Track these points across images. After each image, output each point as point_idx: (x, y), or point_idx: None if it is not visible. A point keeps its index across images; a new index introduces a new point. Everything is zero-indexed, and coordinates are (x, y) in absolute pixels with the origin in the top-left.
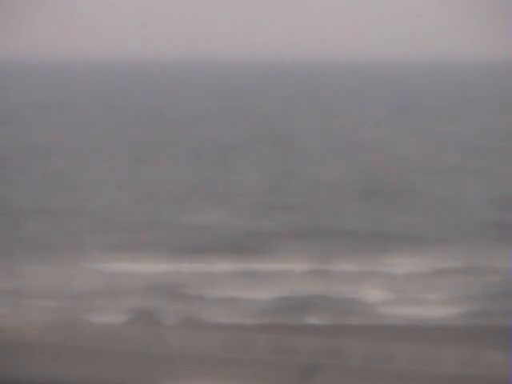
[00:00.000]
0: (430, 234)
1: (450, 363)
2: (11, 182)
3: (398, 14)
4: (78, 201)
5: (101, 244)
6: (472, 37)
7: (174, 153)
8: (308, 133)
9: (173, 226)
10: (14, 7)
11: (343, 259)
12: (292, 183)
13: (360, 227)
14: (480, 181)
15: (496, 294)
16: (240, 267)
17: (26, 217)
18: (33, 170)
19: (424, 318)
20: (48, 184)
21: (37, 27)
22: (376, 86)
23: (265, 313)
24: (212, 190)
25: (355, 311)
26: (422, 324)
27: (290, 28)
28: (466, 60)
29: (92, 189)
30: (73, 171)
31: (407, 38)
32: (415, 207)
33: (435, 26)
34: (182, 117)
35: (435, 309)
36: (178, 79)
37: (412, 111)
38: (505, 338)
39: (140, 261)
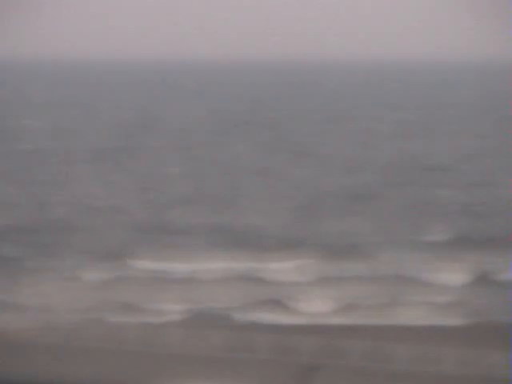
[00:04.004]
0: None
1: (449, 363)
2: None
3: (398, 14)
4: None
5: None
6: (472, 37)
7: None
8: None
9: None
10: (14, 7)
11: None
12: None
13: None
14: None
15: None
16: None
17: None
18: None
19: None
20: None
21: (37, 27)
22: (376, 86)
23: None
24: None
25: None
26: (421, 324)
27: (289, 28)
28: (467, 60)
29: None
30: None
31: (407, 38)
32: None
33: (435, 26)
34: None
35: None
36: (189, 79)
37: (418, 111)
38: (505, 338)
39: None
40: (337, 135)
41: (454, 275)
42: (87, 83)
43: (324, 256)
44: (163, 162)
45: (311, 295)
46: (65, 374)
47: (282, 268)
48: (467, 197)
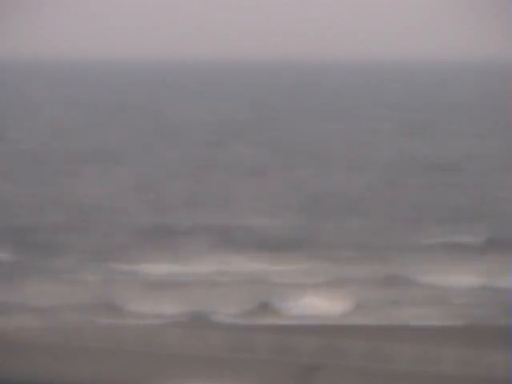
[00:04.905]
0: None
1: (449, 363)
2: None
3: (398, 14)
4: None
5: None
6: (472, 37)
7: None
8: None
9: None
10: (14, 7)
11: None
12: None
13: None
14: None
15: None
16: None
17: None
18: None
19: None
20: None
21: (37, 27)
22: (376, 86)
23: None
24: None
25: None
26: (421, 324)
27: (289, 28)
28: (467, 60)
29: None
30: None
31: (407, 38)
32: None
33: (435, 26)
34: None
35: None
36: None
37: (418, 110)
38: (505, 338)
39: None
40: (337, 135)
41: (457, 278)
42: (87, 83)
43: (329, 258)
44: (163, 162)
45: (317, 297)
46: (65, 374)
47: (282, 270)
48: (472, 197)
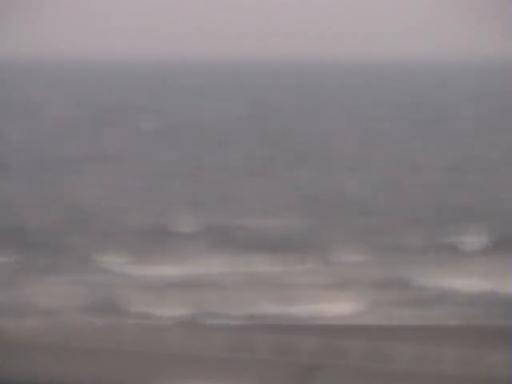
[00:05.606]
0: None
1: (449, 363)
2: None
3: (398, 14)
4: None
5: None
6: (472, 37)
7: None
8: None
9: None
10: (14, 7)
11: None
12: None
13: None
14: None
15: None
16: None
17: None
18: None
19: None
20: None
21: (37, 27)
22: (376, 86)
23: None
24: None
25: None
26: (421, 324)
27: (289, 28)
28: (467, 60)
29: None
30: None
31: (407, 38)
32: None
33: (435, 26)
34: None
35: None
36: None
37: (418, 110)
38: (505, 338)
39: None
40: (337, 135)
41: (458, 279)
42: (87, 83)
43: (329, 259)
44: (163, 162)
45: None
46: (65, 374)
47: (283, 271)
48: (472, 197)
